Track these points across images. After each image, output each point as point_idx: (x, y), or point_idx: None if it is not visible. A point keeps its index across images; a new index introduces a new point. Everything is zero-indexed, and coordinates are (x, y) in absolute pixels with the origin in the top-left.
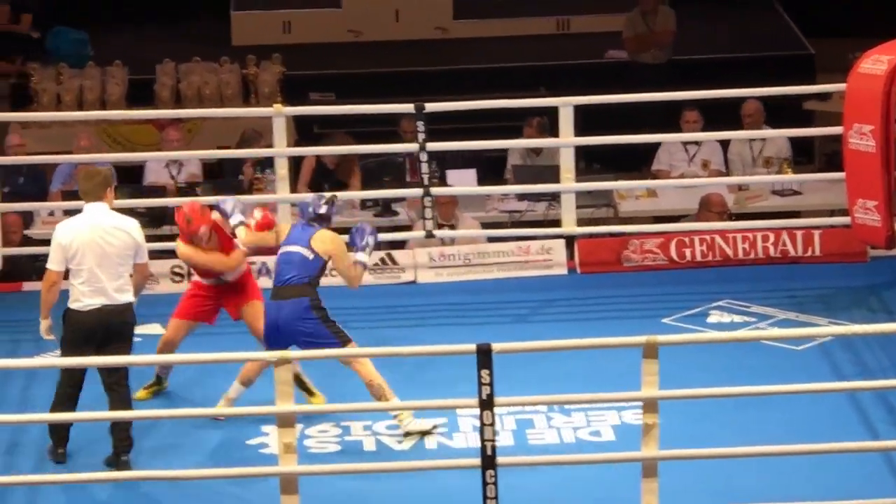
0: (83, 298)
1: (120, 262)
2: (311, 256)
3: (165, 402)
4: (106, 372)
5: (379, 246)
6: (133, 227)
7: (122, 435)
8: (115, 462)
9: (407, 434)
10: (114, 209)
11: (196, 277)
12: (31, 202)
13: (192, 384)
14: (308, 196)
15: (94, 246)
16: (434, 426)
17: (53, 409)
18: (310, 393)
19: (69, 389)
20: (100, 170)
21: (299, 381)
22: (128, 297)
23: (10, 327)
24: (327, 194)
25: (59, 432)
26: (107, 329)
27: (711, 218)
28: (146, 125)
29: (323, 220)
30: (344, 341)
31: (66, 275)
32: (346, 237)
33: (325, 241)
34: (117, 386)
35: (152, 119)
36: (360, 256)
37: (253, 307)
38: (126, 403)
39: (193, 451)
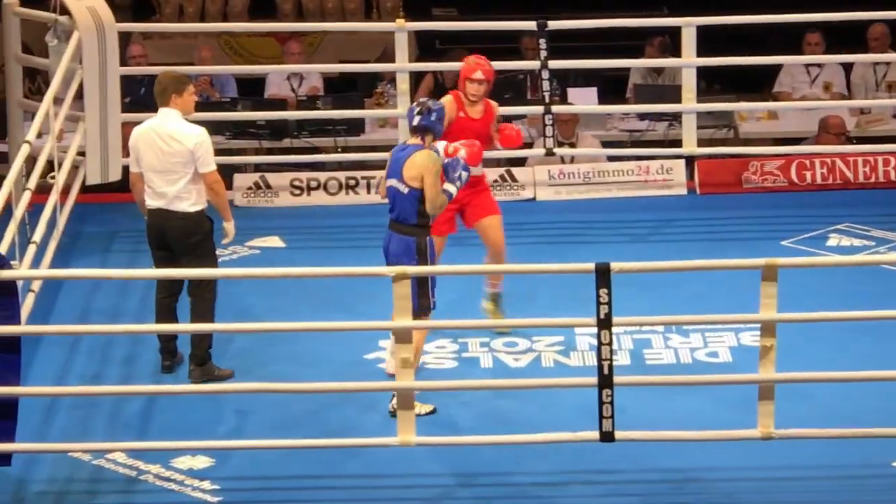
0: (147, 199)
1: (174, 170)
2: (405, 190)
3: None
4: (190, 280)
5: (499, 162)
6: (190, 136)
7: (198, 344)
8: (189, 372)
9: (393, 414)
10: (187, 116)
11: None
12: (152, 112)
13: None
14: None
15: (150, 149)
16: (432, 409)
17: (156, 320)
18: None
19: (162, 296)
20: (167, 74)
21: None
22: (185, 205)
23: (131, 236)
24: (422, 101)
25: (162, 344)
26: (164, 233)
27: (830, 140)
28: (268, 38)
29: (419, 132)
30: (422, 308)
31: None
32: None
33: (415, 164)
34: (200, 293)
35: (274, 32)
36: (449, 187)
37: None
38: (207, 313)
39: (311, 364)
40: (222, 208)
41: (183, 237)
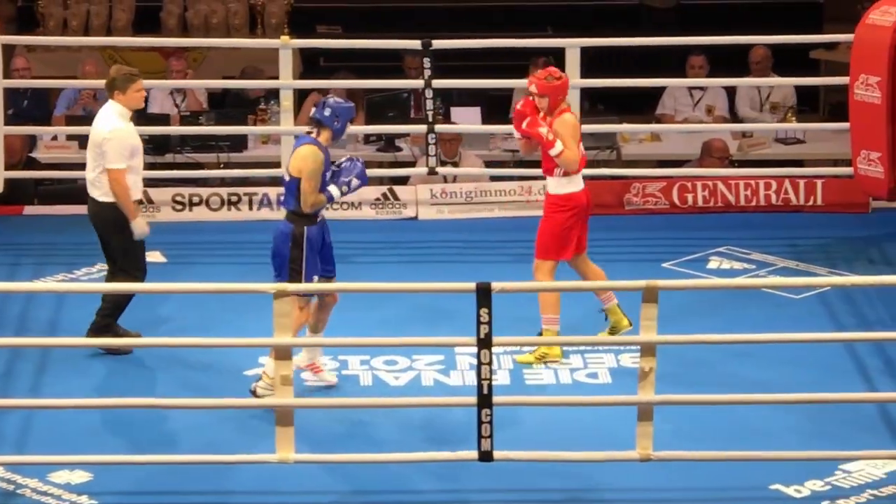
0: None
1: (91, 156)
2: (287, 177)
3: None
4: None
5: (381, 180)
6: (102, 130)
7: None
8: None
9: (254, 393)
10: (130, 110)
11: None
12: (34, 126)
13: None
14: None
15: (90, 135)
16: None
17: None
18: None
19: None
20: (118, 70)
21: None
22: (96, 193)
23: (10, 250)
24: (329, 97)
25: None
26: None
27: (713, 163)
28: (151, 53)
29: (313, 124)
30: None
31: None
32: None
33: (297, 156)
34: (112, 274)
35: (158, 47)
36: (333, 189)
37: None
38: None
39: (189, 379)
40: (123, 208)
41: (95, 222)
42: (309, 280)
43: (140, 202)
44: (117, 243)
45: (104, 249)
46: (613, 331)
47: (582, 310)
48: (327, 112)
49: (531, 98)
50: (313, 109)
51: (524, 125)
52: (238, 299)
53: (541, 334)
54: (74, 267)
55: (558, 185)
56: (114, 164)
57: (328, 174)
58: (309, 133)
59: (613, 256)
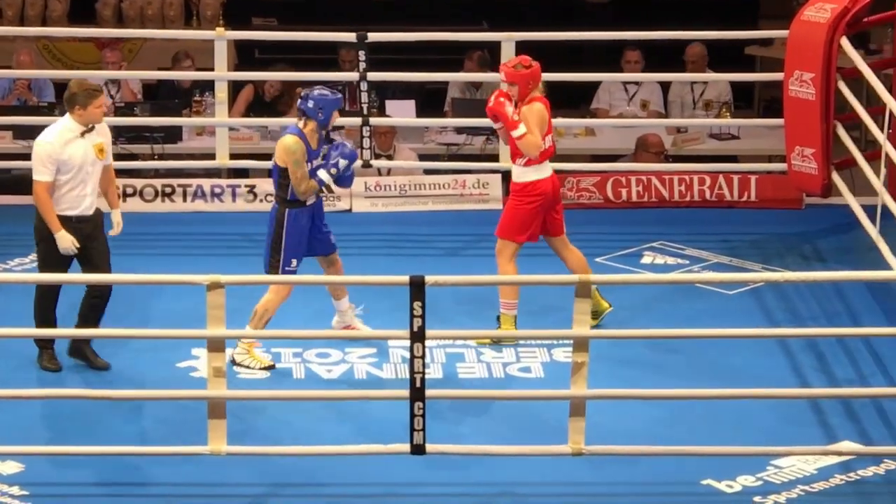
0: None
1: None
2: (271, 164)
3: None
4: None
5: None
6: (38, 139)
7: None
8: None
9: (235, 362)
10: (82, 124)
11: None
12: None
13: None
14: None
15: None
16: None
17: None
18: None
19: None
20: (76, 84)
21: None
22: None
23: None
24: (314, 88)
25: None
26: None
27: (648, 158)
28: (87, 43)
29: (301, 115)
30: (272, 268)
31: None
32: None
33: (279, 145)
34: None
35: (93, 38)
36: (322, 174)
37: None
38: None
39: (122, 372)
40: (45, 220)
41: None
42: (287, 262)
43: (99, 214)
44: (38, 251)
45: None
46: (594, 315)
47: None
48: (310, 104)
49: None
50: (299, 100)
51: (491, 101)
52: (171, 290)
53: (498, 318)
54: (7, 257)
55: (523, 174)
56: (35, 175)
57: (314, 161)
58: (297, 124)
59: (547, 250)
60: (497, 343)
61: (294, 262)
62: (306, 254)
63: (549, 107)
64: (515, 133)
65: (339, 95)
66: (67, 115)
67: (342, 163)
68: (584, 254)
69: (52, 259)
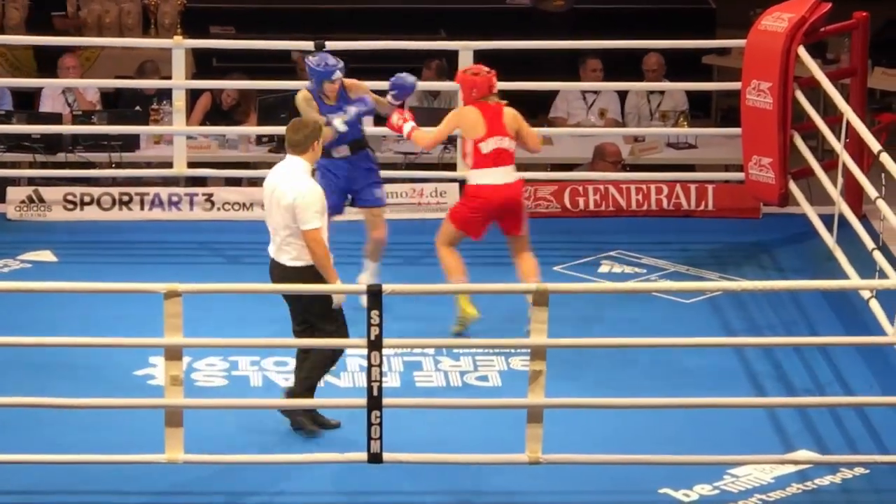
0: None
1: (282, 223)
2: None
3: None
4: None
5: None
6: (298, 191)
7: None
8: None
9: None
10: (312, 164)
11: None
12: None
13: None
14: None
15: (269, 198)
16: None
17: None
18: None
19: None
20: (308, 121)
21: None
22: (286, 258)
23: None
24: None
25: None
26: (273, 281)
27: (605, 167)
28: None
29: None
30: None
31: None
32: None
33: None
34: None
35: (51, 45)
36: (334, 121)
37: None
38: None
39: (80, 379)
40: (325, 273)
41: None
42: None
43: None
44: (313, 311)
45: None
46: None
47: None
48: (310, 64)
49: None
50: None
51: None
52: (129, 299)
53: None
54: None
55: (469, 177)
56: (311, 223)
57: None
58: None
59: (505, 259)
60: (462, 327)
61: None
62: (344, 205)
63: (499, 115)
64: (403, 133)
65: (329, 66)
66: (298, 156)
67: (351, 110)
68: (541, 262)
69: (335, 315)
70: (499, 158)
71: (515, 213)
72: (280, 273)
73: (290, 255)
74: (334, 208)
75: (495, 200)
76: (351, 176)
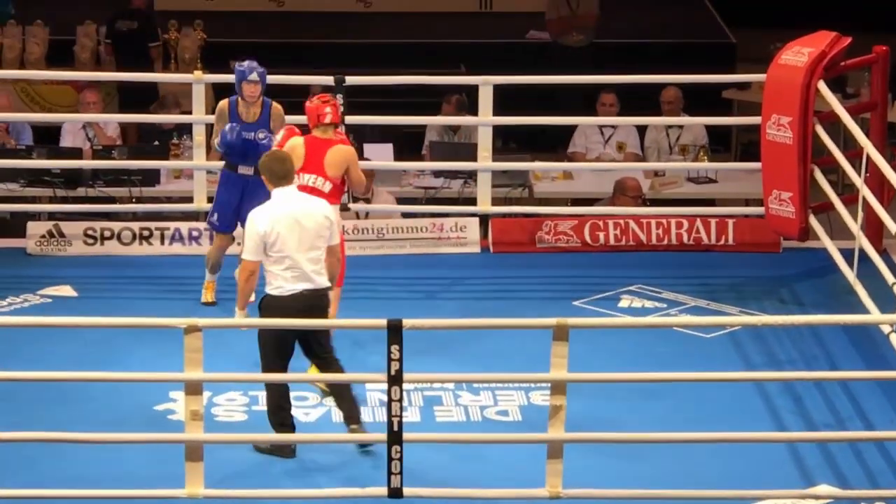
0: (286, 285)
1: (317, 245)
2: None
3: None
4: (319, 347)
5: None
6: (328, 207)
7: (347, 405)
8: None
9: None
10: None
11: None
12: None
13: None
14: None
15: (293, 230)
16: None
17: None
18: None
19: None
20: (286, 153)
21: None
22: (324, 280)
23: None
24: None
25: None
26: (309, 314)
27: (626, 202)
28: (65, 86)
29: None
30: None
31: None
32: None
33: None
34: (329, 357)
35: (71, 80)
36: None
37: None
38: (341, 369)
39: (100, 413)
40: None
41: (324, 313)
42: (211, 214)
43: None
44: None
45: (307, 337)
46: None
47: (493, 344)
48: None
49: None
50: None
51: None
52: (149, 334)
53: None
54: None
55: None
56: (339, 236)
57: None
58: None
59: (525, 294)
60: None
61: (216, 216)
62: (232, 217)
63: (322, 151)
64: None
65: (250, 68)
66: (292, 185)
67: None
68: (560, 296)
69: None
70: (312, 193)
71: None
72: (320, 296)
73: (324, 275)
74: (223, 221)
75: None
76: (245, 195)
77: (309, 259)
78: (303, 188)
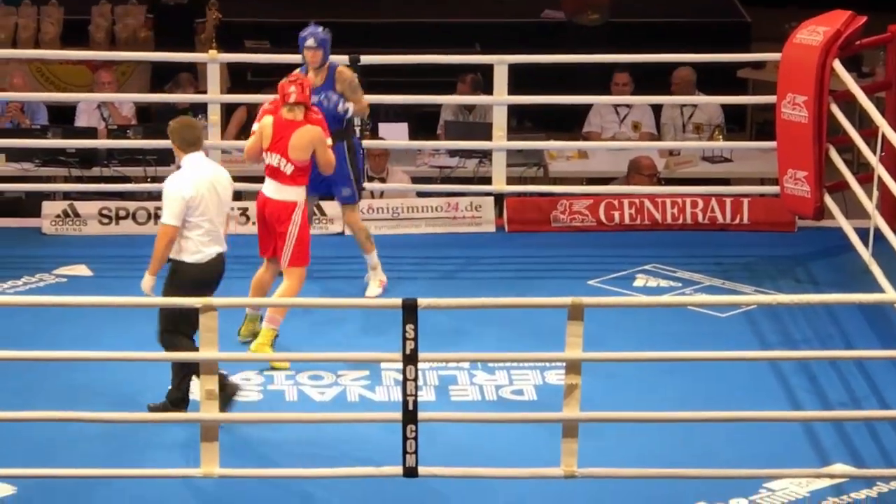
0: (205, 249)
1: (225, 210)
2: None
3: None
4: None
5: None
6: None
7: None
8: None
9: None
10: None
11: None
12: None
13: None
14: None
15: (213, 194)
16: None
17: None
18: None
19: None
20: (194, 120)
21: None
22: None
23: None
24: None
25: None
26: (221, 276)
27: (641, 181)
28: (79, 66)
29: None
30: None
31: None
32: None
33: None
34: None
35: (86, 60)
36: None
37: None
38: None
39: (115, 394)
40: None
41: None
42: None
43: None
44: None
45: None
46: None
47: (507, 329)
48: None
49: None
50: None
51: None
52: None
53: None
54: (1, 280)
55: None
56: None
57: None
58: None
59: (540, 273)
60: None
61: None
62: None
63: (287, 132)
64: None
65: (307, 34)
66: (201, 151)
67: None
68: (576, 276)
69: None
70: (273, 174)
71: (273, 232)
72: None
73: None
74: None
75: (259, 207)
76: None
77: (221, 223)
78: (268, 168)
